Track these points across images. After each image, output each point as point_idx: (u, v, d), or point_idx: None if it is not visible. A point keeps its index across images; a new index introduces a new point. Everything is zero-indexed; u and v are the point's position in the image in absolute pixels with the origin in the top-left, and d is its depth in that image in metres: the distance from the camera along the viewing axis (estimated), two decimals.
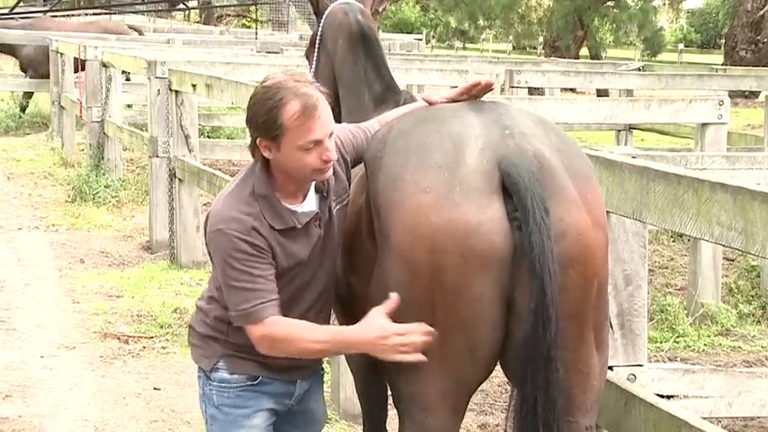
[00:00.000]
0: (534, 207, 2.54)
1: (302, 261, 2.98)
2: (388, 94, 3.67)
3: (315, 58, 3.91)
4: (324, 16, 3.88)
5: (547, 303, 2.54)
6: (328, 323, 3.17)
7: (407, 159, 2.73)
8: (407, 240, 2.64)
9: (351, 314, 3.16)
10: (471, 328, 2.64)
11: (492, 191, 2.60)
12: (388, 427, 3.67)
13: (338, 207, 3.07)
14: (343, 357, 4.38)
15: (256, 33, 21.82)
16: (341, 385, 5.15)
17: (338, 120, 3.79)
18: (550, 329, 2.55)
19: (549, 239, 2.53)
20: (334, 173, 3.03)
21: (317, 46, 3.89)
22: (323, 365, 3.29)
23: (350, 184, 3.14)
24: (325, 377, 5.49)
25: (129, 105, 14.15)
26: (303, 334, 2.88)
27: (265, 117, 2.84)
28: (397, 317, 2.71)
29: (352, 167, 3.15)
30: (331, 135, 2.89)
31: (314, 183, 3.00)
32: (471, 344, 2.66)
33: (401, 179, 2.70)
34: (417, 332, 2.69)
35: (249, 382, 3.05)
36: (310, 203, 3.00)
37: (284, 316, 2.92)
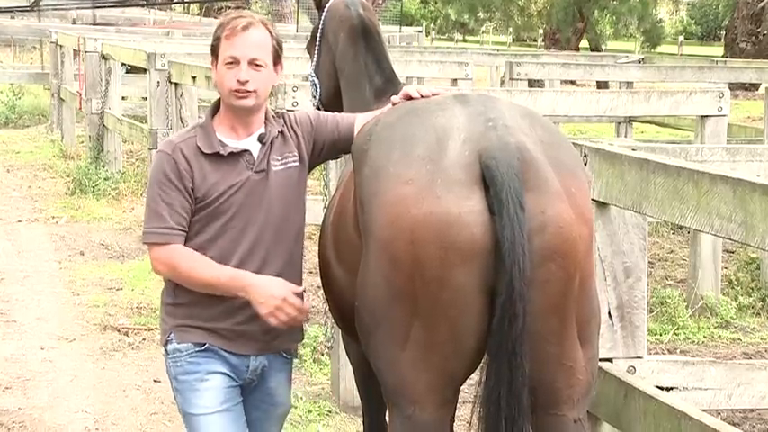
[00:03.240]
0: (509, 201, 2.53)
1: (225, 195, 3.11)
2: (389, 87, 3.67)
3: (316, 52, 3.91)
4: (325, 10, 3.88)
5: (514, 299, 2.54)
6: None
7: (391, 152, 2.73)
8: (389, 232, 2.64)
9: (344, 309, 3.16)
10: (454, 319, 2.63)
11: (473, 183, 2.60)
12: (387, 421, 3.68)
13: (280, 167, 3.21)
14: (342, 351, 4.38)
15: None
16: (341, 377, 5.16)
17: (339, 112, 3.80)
18: (516, 325, 2.55)
19: (521, 235, 2.52)
20: (282, 134, 3.24)
21: (318, 39, 3.89)
22: (291, 352, 3.38)
23: (308, 160, 3.29)
24: (326, 369, 5.56)
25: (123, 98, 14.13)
26: (196, 266, 3.09)
27: (216, 34, 3.14)
28: (381, 309, 2.72)
29: (312, 149, 3.30)
30: (256, 66, 3.08)
31: (258, 132, 3.19)
32: (456, 335, 2.65)
33: (384, 171, 2.70)
34: (295, 307, 3.05)
35: (197, 349, 3.19)
36: (247, 144, 3.18)
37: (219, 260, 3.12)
